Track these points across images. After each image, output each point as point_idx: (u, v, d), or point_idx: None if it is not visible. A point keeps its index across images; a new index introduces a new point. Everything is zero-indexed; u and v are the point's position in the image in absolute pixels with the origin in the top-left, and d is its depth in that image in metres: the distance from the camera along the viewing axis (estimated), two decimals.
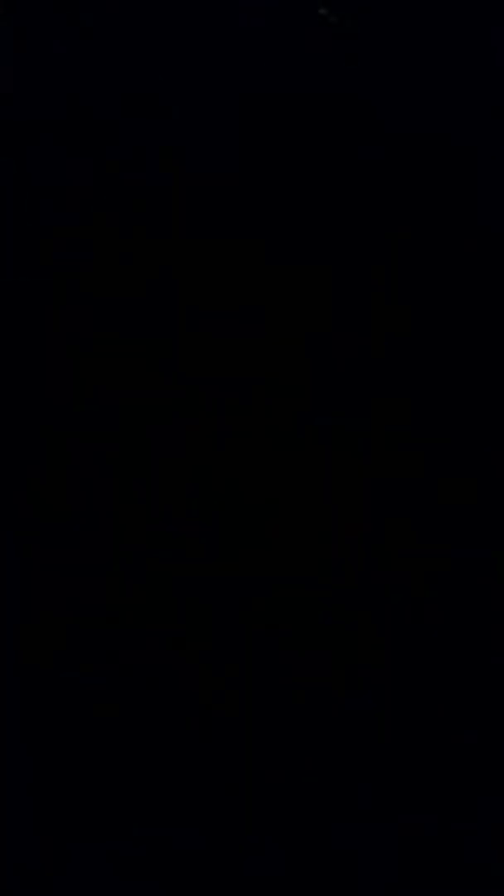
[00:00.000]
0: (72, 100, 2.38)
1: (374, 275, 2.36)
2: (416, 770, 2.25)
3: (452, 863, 2.22)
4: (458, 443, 2.33)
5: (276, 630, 2.28)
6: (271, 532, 2.30)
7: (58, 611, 2.28)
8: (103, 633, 2.28)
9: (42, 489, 2.31)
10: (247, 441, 2.32)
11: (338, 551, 2.30)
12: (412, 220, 2.37)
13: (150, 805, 2.23)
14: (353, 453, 2.33)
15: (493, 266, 2.37)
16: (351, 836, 2.22)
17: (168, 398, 2.33)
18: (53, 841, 2.21)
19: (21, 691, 2.25)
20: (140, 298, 2.36)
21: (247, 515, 2.31)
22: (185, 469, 2.32)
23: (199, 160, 2.38)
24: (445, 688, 2.27)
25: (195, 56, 2.39)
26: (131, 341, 2.35)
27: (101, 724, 2.25)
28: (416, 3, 2.41)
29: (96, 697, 2.26)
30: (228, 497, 2.31)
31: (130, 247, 2.37)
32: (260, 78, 2.39)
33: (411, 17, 2.41)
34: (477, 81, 2.40)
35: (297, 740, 2.25)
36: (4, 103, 2.38)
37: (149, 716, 2.25)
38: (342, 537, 2.30)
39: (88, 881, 2.20)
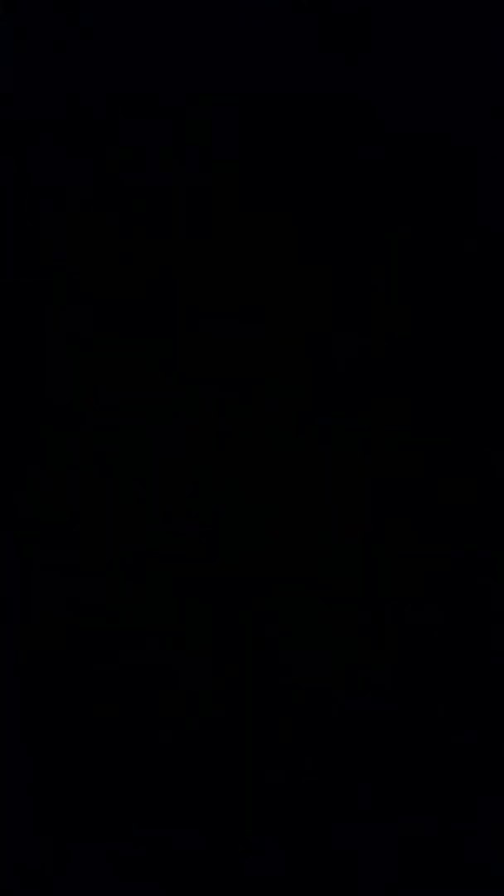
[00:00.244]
0: (72, 100, 2.38)
1: (374, 275, 2.36)
2: (416, 770, 2.25)
3: (452, 863, 2.22)
4: (458, 443, 2.33)
5: (276, 630, 2.28)
6: (271, 532, 2.30)
7: (58, 611, 2.28)
8: (103, 633, 2.28)
9: (42, 489, 2.31)
10: (247, 441, 2.32)
11: (338, 551, 2.30)
12: (412, 220, 2.37)
13: (150, 805, 2.23)
14: (353, 453, 2.33)
15: (493, 266, 2.37)
16: (351, 836, 2.22)
17: (168, 398, 2.33)
18: (53, 841, 2.21)
19: (21, 691, 2.25)
20: (140, 298, 2.36)
21: (247, 515, 2.31)
22: (185, 469, 2.32)
23: (199, 160, 2.38)
24: (445, 688, 2.27)
25: (195, 56, 2.39)
26: (131, 341, 2.35)
27: (100, 724, 2.25)
28: (416, 3, 2.41)
29: (96, 697, 2.26)
30: (228, 497, 2.31)
31: (130, 247, 2.37)
32: (260, 78, 2.39)
33: (411, 17, 2.41)
34: (477, 81, 2.40)
35: (297, 740, 2.25)
36: (4, 103, 2.38)
37: (149, 716, 2.25)
38: (342, 537, 2.30)
39: (88, 881, 2.20)
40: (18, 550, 2.29)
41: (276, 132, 2.38)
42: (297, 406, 2.34)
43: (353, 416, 2.33)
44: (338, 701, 2.26)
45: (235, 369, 2.34)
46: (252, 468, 2.32)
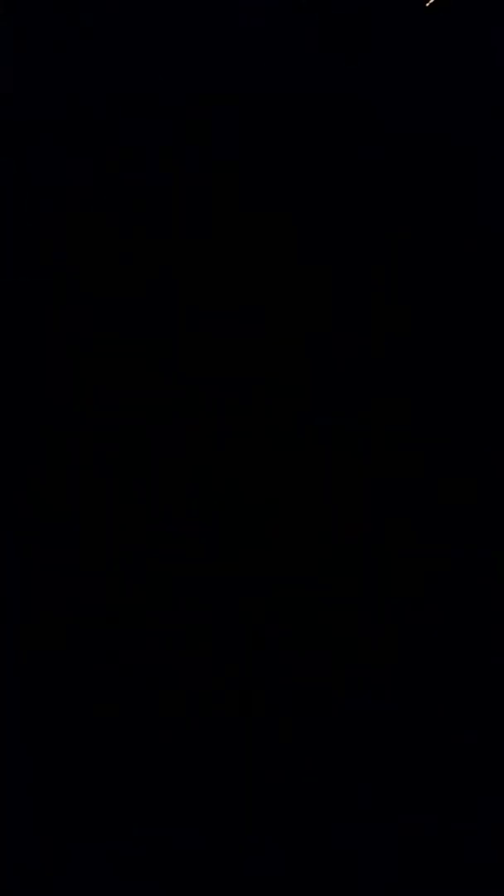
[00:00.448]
0: (72, 100, 2.38)
1: (374, 275, 2.36)
2: (416, 770, 2.25)
3: (452, 863, 2.21)
4: (458, 443, 2.33)
5: (276, 630, 2.28)
6: (271, 532, 2.30)
7: (58, 611, 2.28)
8: (103, 633, 2.28)
9: (42, 489, 2.31)
10: (247, 441, 2.32)
11: (338, 551, 2.30)
12: (412, 220, 2.37)
13: (150, 805, 2.23)
14: (353, 453, 2.33)
15: (493, 266, 2.37)
16: (351, 836, 2.22)
17: (168, 398, 2.33)
18: (53, 841, 2.21)
19: (21, 691, 2.25)
20: (140, 298, 2.36)
21: (247, 515, 2.30)
22: (185, 469, 2.32)
23: (199, 160, 2.38)
24: (445, 688, 2.27)
25: (195, 56, 2.39)
26: (131, 341, 2.35)
27: (100, 723, 2.25)
28: (416, 3, 2.41)
29: (96, 697, 2.26)
30: (228, 497, 2.31)
31: (130, 247, 2.37)
32: (260, 78, 2.39)
33: (411, 17, 2.41)
34: (477, 81, 2.40)
35: (297, 740, 2.25)
36: (4, 103, 2.38)
37: (149, 715, 2.25)
38: (342, 537, 2.30)
39: (88, 881, 2.20)
40: (18, 550, 2.29)
41: (276, 132, 2.38)
42: (298, 406, 2.34)
43: (353, 416, 2.33)
44: (338, 701, 2.26)
45: (235, 369, 2.34)
46: (252, 468, 2.32)
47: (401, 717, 2.26)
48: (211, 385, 2.34)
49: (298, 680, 2.27)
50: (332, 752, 2.25)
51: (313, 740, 2.25)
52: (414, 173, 2.38)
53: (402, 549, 2.30)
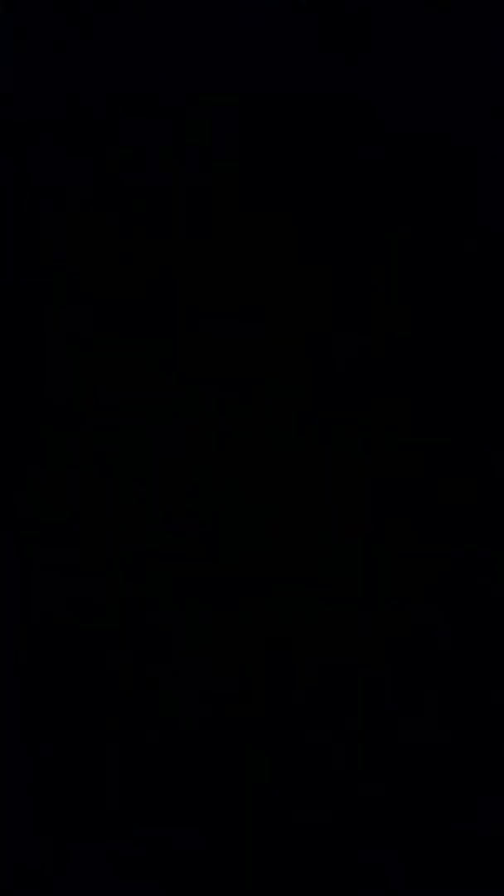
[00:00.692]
0: (72, 100, 2.38)
1: (374, 275, 2.36)
2: (416, 770, 2.25)
3: (452, 863, 2.21)
4: (458, 443, 2.33)
5: (276, 630, 2.28)
6: (271, 532, 2.30)
7: (58, 611, 2.28)
8: (103, 633, 2.28)
9: (42, 489, 2.31)
10: (247, 441, 2.32)
11: (338, 551, 2.30)
12: (412, 220, 2.37)
13: (151, 805, 2.23)
14: (353, 453, 2.33)
15: (493, 266, 2.37)
16: (351, 835, 2.22)
17: (168, 398, 2.33)
18: (53, 841, 2.21)
19: (21, 691, 2.25)
20: (140, 298, 2.36)
21: (247, 515, 2.30)
22: (185, 469, 2.32)
23: (199, 160, 2.38)
24: (446, 688, 2.27)
25: (195, 56, 2.39)
26: (131, 341, 2.35)
27: (101, 723, 2.25)
28: (416, 3, 2.41)
29: (96, 697, 2.26)
30: (228, 497, 2.31)
31: (130, 247, 2.37)
32: (260, 78, 2.39)
33: (411, 17, 2.41)
34: (477, 81, 2.40)
35: (296, 740, 2.25)
36: (4, 103, 2.38)
37: (149, 715, 2.25)
38: (342, 537, 2.30)
39: (88, 881, 2.20)
40: (18, 550, 2.29)
41: (276, 132, 2.38)
42: (298, 406, 2.34)
43: (353, 416, 2.33)
44: (338, 701, 2.26)
45: (235, 369, 2.34)
46: (252, 468, 2.32)
47: (401, 717, 2.26)
48: (211, 385, 2.34)
49: (298, 679, 2.27)
50: (332, 752, 2.25)
51: (313, 740, 2.25)
52: (414, 173, 2.38)
53: (402, 548, 2.30)
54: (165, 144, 2.38)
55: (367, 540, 2.31)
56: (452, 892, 2.21)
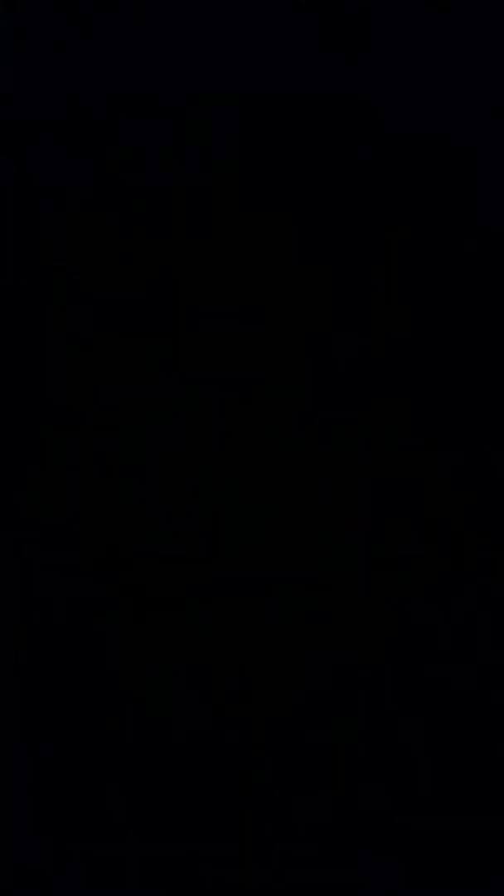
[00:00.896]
0: (72, 100, 2.38)
1: (374, 275, 2.36)
2: (416, 770, 2.25)
3: (452, 863, 2.21)
4: (458, 443, 2.33)
5: (276, 630, 2.28)
6: (271, 532, 2.30)
7: (58, 610, 2.28)
8: (103, 633, 2.28)
9: (42, 489, 2.31)
10: (247, 441, 2.32)
11: (338, 551, 2.30)
12: (412, 220, 2.37)
13: (151, 805, 2.23)
14: (353, 453, 2.33)
15: (493, 266, 2.37)
16: (350, 836, 2.22)
17: (168, 398, 2.33)
18: (53, 841, 2.21)
19: (21, 691, 2.25)
20: (140, 298, 2.36)
21: (247, 515, 2.30)
22: (185, 469, 2.32)
23: (199, 160, 2.38)
24: (446, 688, 2.27)
25: (195, 56, 2.39)
26: (131, 341, 2.35)
27: (101, 723, 2.25)
28: (416, 3, 2.41)
29: (96, 697, 2.26)
30: (228, 497, 2.31)
31: (130, 247, 2.37)
32: (260, 78, 2.39)
33: (411, 17, 2.41)
34: (477, 81, 2.40)
35: (296, 741, 2.25)
36: (4, 103, 2.38)
37: (149, 716, 2.25)
38: (342, 537, 2.30)
39: (88, 881, 2.20)
40: (18, 550, 2.29)
41: (276, 132, 2.38)
42: (298, 406, 2.34)
43: (353, 416, 2.33)
44: (338, 702, 2.26)
45: (235, 369, 2.34)
46: (252, 468, 2.32)
47: (401, 718, 2.26)
48: (211, 385, 2.34)
49: (298, 680, 2.27)
50: (332, 752, 2.25)
51: (313, 740, 2.25)
52: (414, 173, 2.38)
53: (402, 549, 2.30)
54: (165, 144, 2.38)
55: (367, 539, 2.31)
56: (452, 892, 2.21)
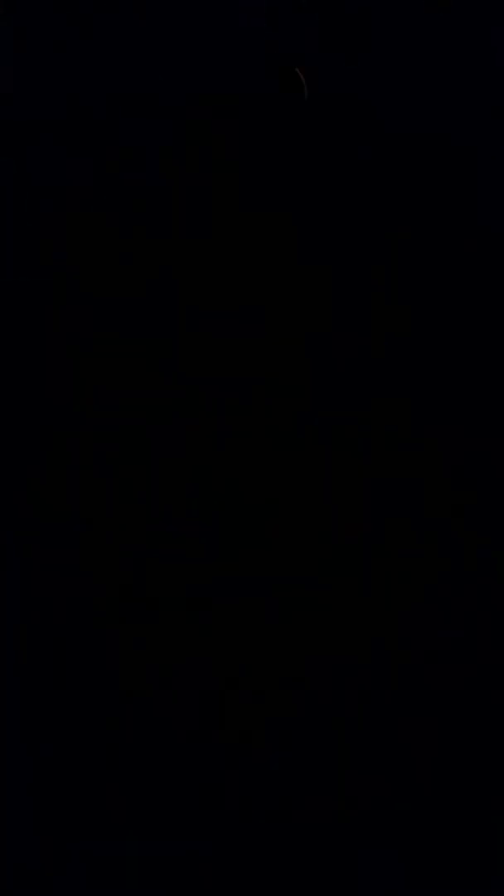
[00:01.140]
0: (72, 100, 2.38)
1: (374, 275, 2.36)
2: (416, 771, 2.25)
3: (452, 863, 2.22)
4: (458, 443, 2.33)
5: (276, 630, 2.28)
6: (271, 532, 2.30)
7: (58, 610, 2.28)
8: (103, 634, 2.28)
9: (42, 489, 2.32)
10: (247, 441, 2.33)
11: (338, 551, 2.30)
12: (412, 220, 2.37)
13: (151, 805, 2.23)
14: (353, 453, 2.33)
15: (494, 266, 2.37)
16: (350, 836, 2.23)
17: (168, 398, 2.33)
18: (53, 841, 2.21)
19: (21, 691, 2.25)
20: (140, 298, 2.36)
21: (247, 515, 2.31)
22: (185, 469, 2.32)
23: (199, 160, 2.38)
24: (446, 688, 2.27)
25: (195, 56, 2.39)
26: (131, 341, 2.35)
27: (101, 724, 2.25)
28: (416, 3, 2.41)
29: (96, 697, 2.26)
30: (228, 497, 2.31)
31: (130, 247, 2.37)
32: (260, 78, 2.39)
33: (411, 17, 2.41)
34: (477, 81, 2.40)
35: (296, 741, 2.25)
36: (4, 103, 2.38)
37: (149, 716, 2.25)
38: (342, 537, 2.30)
39: (88, 881, 2.20)
40: (19, 550, 2.29)
41: (276, 132, 2.39)
42: (298, 406, 2.34)
43: (353, 416, 2.33)
44: (338, 703, 2.26)
45: (236, 369, 2.34)
46: (252, 468, 2.32)
47: (401, 718, 2.26)
48: (211, 385, 2.34)
49: (298, 680, 2.27)
50: (332, 753, 2.25)
51: (313, 741, 2.25)
52: (414, 173, 2.38)
53: (402, 549, 2.30)
54: (165, 144, 2.38)
55: (368, 540, 2.31)
56: (452, 892, 2.21)
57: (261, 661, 2.27)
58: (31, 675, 2.26)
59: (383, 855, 2.22)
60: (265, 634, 2.28)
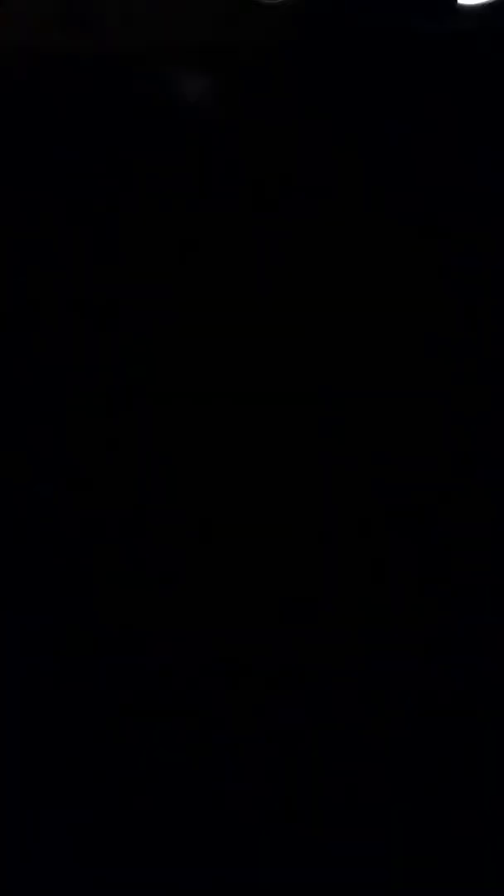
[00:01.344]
0: (71, 97, 2.39)
1: (373, 273, 2.37)
2: (416, 771, 2.25)
3: (452, 863, 2.21)
4: (458, 443, 2.34)
5: (276, 630, 2.28)
6: (271, 532, 2.31)
7: (57, 611, 2.28)
8: (103, 634, 2.28)
9: (42, 489, 2.32)
10: (247, 440, 2.33)
11: (338, 552, 2.30)
12: (412, 220, 2.38)
13: (150, 806, 2.23)
14: (354, 453, 2.33)
15: (493, 266, 2.38)
16: (350, 836, 2.23)
17: (168, 397, 2.34)
18: (53, 841, 2.21)
19: (21, 691, 2.25)
20: (140, 298, 2.37)
21: (246, 515, 2.31)
22: (184, 467, 2.32)
23: (198, 160, 2.39)
24: (446, 688, 2.27)
25: (195, 56, 2.40)
26: (131, 341, 2.36)
27: (101, 724, 2.25)
28: (416, 3, 2.42)
29: (96, 698, 2.26)
30: (228, 496, 2.31)
31: (130, 247, 2.38)
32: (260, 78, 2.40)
33: (411, 17, 2.42)
34: (477, 81, 2.41)
35: (296, 742, 2.25)
36: (5, 98, 2.39)
37: (149, 717, 2.26)
38: (342, 538, 2.31)
39: (88, 881, 2.20)
40: (18, 550, 2.30)
41: (276, 132, 2.39)
42: (298, 406, 2.34)
43: (353, 416, 2.34)
44: (338, 704, 2.26)
45: (236, 369, 2.35)
46: (252, 467, 2.32)
47: (400, 719, 2.26)
48: (211, 384, 2.34)
49: (299, 681, 2.27)
50: (332, 754, 2.25)
51: (313, 742, 2.25)
52: (414, 173, 2.39)
53: (402, 549, 2.31)
54: (165, 141, 2.39)
55: (368, 541, 2.31)
56: (452, 892, 2.21)
57: (260, 663, 2.27)
58: (31, 675, 2.26)
59: (383, 854, 2.22)
60: (264, 634, 2.28)
